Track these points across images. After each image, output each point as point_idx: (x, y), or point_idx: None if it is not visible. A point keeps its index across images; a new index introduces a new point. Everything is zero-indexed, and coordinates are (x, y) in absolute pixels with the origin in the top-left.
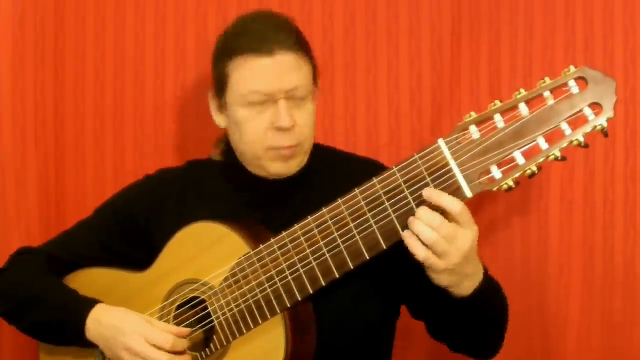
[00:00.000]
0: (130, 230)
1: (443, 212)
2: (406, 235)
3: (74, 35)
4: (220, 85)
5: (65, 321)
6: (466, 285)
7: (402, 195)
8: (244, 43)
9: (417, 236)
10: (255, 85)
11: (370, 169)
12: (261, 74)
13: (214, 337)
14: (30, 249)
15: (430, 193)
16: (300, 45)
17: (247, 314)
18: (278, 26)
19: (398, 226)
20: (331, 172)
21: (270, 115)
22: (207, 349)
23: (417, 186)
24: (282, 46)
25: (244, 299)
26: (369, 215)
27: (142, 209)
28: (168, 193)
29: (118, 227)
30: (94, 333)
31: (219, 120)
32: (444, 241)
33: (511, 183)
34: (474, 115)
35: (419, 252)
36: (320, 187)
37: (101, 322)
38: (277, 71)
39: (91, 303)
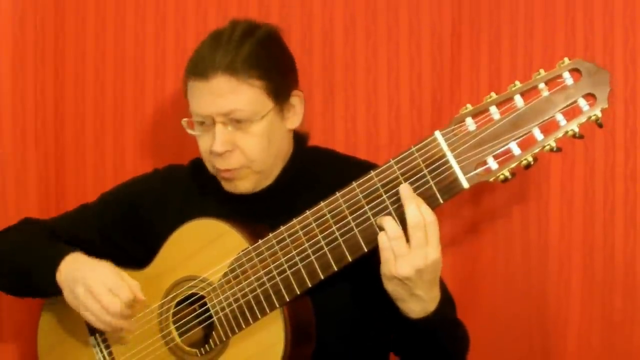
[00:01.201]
0: (132, 223)
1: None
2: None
3: (74, 35)
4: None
5: (40, 261)
6: (412, 306)
7: (399, 188)
8: (189, 65)
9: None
10: (194, 107)
11: (368, 170)
12: (197, 97)
13: (213, 333)
14: (36, 220)
15: (406, 193)
16: (242, 65)
17: (246, 310)
18: (220, 44)
19: (396, 218)
20: (330, 174)
21: (211, 137)
22: (207, 345)
23: (414, 178)
24: (216, 69)
25: (243, 294)
26: (366, 207)
27: (148, 204)
28: (173, 191)
29: (121, 217)
30: (64, 276)
31: None
32: (404, 244)
33: (507, 174)
34: (469, 107)
35: (381, 239)
36: (320, 190)
37: (75, 264)
38: (210, 94)
39: (69, 249)
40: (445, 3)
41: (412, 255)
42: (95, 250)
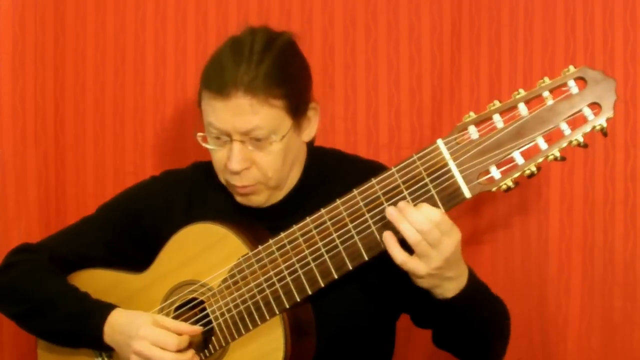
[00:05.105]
0: (136, 229)
1: None
2: (386, 237)
3: (74, 35)
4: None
5: (82, 328)
6: (447, 288)
7: (401, 196)
8: (207, 77)
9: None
10: (212, 120)
11: (375, 171)
12: (216, 112)
13: (213, 338)
14: (30, 246)
15: (394, 214)
16: (263, 83)
17: (245, 315)
18: (241, 59)
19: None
20: (335, 177)
21: (226, 152)
22: (206, 350)
23: (415, 186)
24: (237, 87)
25: (242, 300)
26: (367, 215)
27: (150, 210)
28: (175, 196)
29: (125, 225)
30: (109, 339)
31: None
32: (426, 244)
33: (510, 183)
34: (473, 115)
35: (397, 256)
36: (325, 194)
37: (114, 328)
38: (230, 113)
39: (107, 309)
40: (445, 3)
41: (437, 250)
42: (98, 264)
